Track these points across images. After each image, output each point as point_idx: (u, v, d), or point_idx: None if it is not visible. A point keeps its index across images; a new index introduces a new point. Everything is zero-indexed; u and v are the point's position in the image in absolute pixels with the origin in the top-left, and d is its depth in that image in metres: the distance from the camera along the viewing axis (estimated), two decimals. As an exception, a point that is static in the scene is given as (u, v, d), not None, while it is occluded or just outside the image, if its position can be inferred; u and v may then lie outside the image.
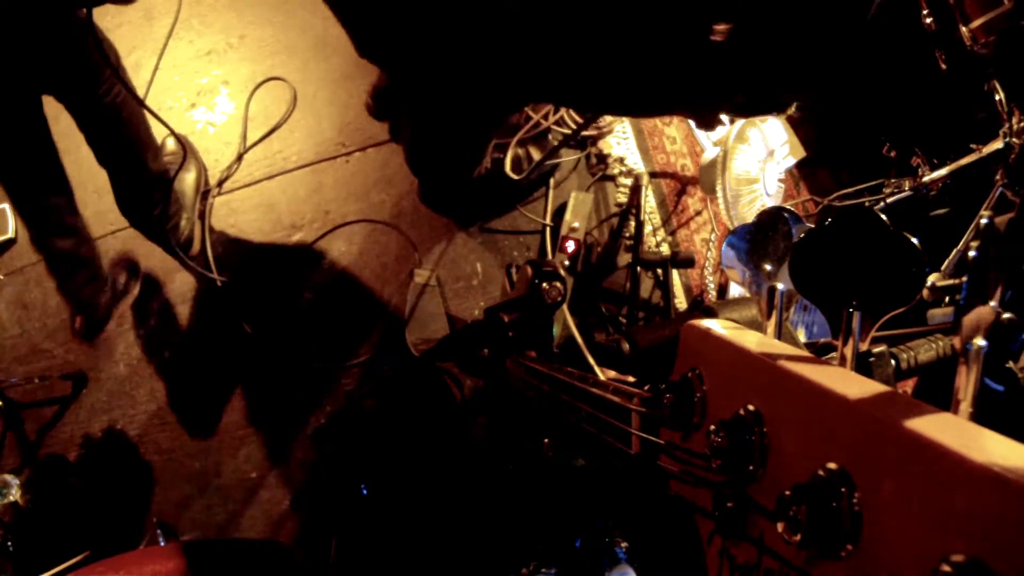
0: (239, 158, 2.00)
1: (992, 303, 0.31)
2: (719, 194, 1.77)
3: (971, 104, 1.82)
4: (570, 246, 1.85)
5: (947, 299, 1.30)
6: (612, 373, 0.79)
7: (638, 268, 1.88)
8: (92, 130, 1.55)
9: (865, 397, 0.29)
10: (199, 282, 1.92)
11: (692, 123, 1.95)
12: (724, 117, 1.98)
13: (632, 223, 1.93)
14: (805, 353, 0.36)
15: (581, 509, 1.34)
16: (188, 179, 1.90)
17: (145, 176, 1.67)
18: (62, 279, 1.70)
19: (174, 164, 1.87)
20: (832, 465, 0.29)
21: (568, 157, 1.99)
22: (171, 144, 1.92)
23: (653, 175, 2.03)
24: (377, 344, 1.86)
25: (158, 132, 1.89)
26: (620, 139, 2.05)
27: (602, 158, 2.02)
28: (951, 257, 1.49)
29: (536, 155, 1.90)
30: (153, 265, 1.92)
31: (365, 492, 1.75)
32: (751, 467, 0.35)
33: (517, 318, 0.89)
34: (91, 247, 1.71)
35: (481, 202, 1.94)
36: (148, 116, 1.60)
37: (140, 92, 2.05)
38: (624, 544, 1.25)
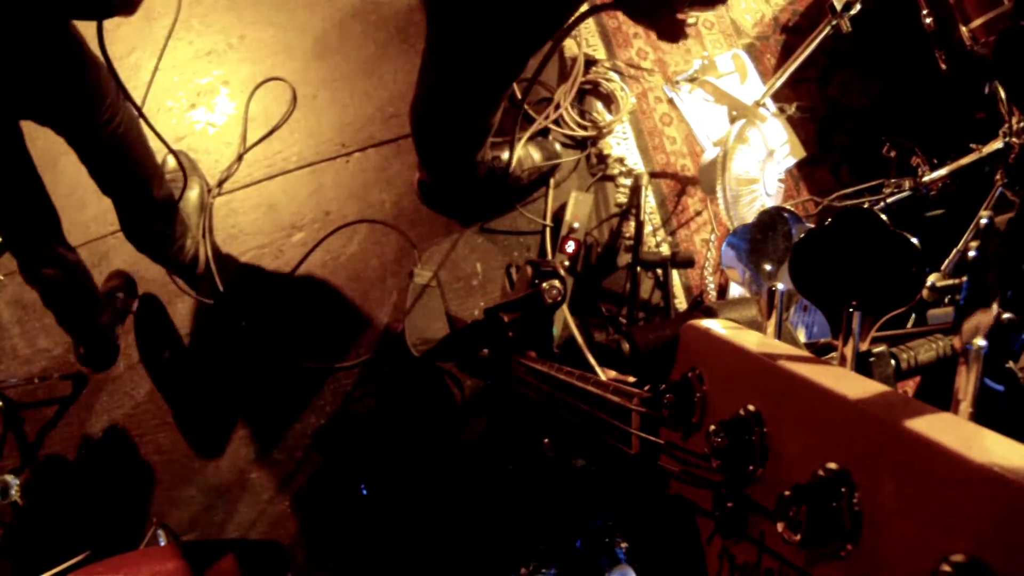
0: (239, 158, 2.00)
1: (993, 306, 0.31)
2: (719, 194, 1.77)
3: (971, 104, 1.82)
4: (570, 246, 1.85)
5: (947, 299, 1.30)
6: (612, 373, 0.79)
7: (638, 268, 1.88)
8: (94, 163, 1.49)
9: (865, 397, 0.29)
10: (200, 290, 1.92)
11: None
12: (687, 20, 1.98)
13: (632, 223, 1.93)
14: (805, 353, 0.36)
15: (581, 509, 1.34)
16: (191, 198, 1.88)
17: (150, 204, 1.63)
18: (60, 312, 1.62)
19: (176, 183, 1.87)
20: (832, 465, 0.29)
21: (568, 157, 1.99)
22: (172, 162, 1.91)
23: (653, 175, 2.03)
24: (377, 344, 1.86)
25: (159, 150, 1.89)
26: (620, 139, 2.05)
27: (602, 158, 2.02)
28: (951, 257, 1.49)
29: (536, 155, 1.90)
30: (153, 273, 1.92)
31: (365, 492, 1.75)
32: (751, 467, 0.35)
33: (517, 318, 0.89)
34: (84, 273, 1.63)
35: (481, 202, 1.94)
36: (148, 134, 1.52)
37: (140, 93, 2.05)
38: (624, 544, 1.25)
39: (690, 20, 2.16)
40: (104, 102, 1.36)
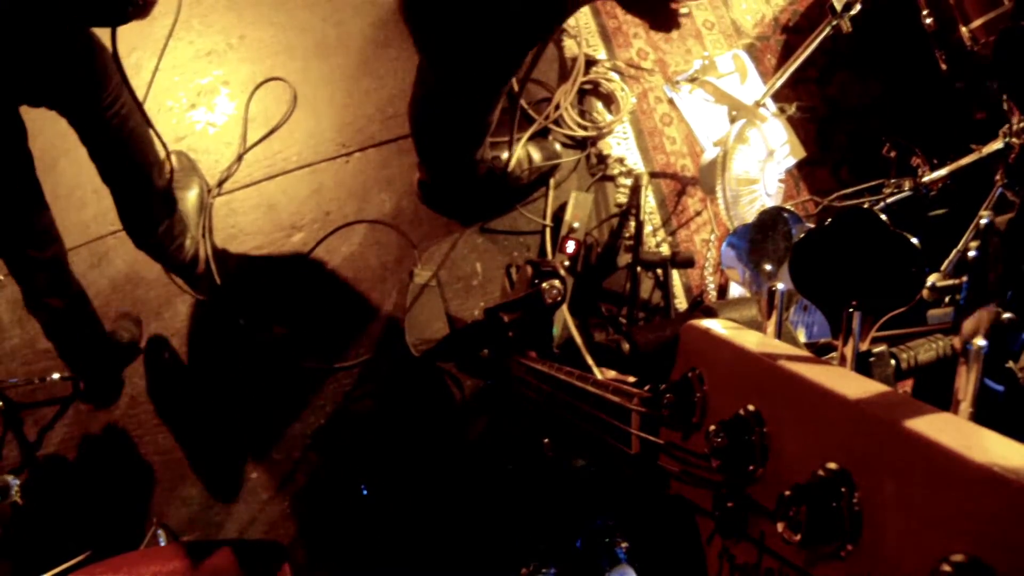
0: (239, 158, 2.00)
1: (992, 306, 0.31)
2: (719, 194, 1.77)
3: (971, 104, 1.82)
4: (570, 246, 1.85)
5: (947, 299, 1.30)
6: (612, 373, 0.79)
7: (638, 268, 1.88)
8: (96, 145, 1.48)
9: (865, 397, 0.29)
10: (199, 290, 1.91)
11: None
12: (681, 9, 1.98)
13: (632, 223, 1.93)
14: (805, 353, 0.36)
15: (581, 509, 1.34)
16: (191, 197, 1.87)
17: (150, 194, 1.62)
18: (62, 344, 1.60)
19: (176, 184, 1.87)
20: (832, 465, 0.29)
21: (568, 157, 1.99)
22: (172, 162, 1.91)
23: (653, 175, 2.03)
24: (377, 344, 1.86)
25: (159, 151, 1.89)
26: (620, 139, 2.05)
27: (602, 158, 2.02)
28: (951, 257, 1.49)
29: (536, 155, 1.90)
30: (153, 273, 1.91)
31: (365, 492, 1.75)
32: (751, 467, 0.35)
33: (517, 318, 0.89)
34: (88, 306, 1.61)
35: (481, 202, 1.94)
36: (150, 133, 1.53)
37: (140, 93, 2.05)
38: (624, 544, 1.25)
39: (683, 10, 2.16)
40: (108, 86, 1.36)
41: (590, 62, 2.08)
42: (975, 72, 1.78)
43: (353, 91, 2.05)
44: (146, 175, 1.59)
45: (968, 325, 0.30)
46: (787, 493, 0.30)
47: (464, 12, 1.12)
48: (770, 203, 1.84)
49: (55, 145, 1.95)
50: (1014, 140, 1.41)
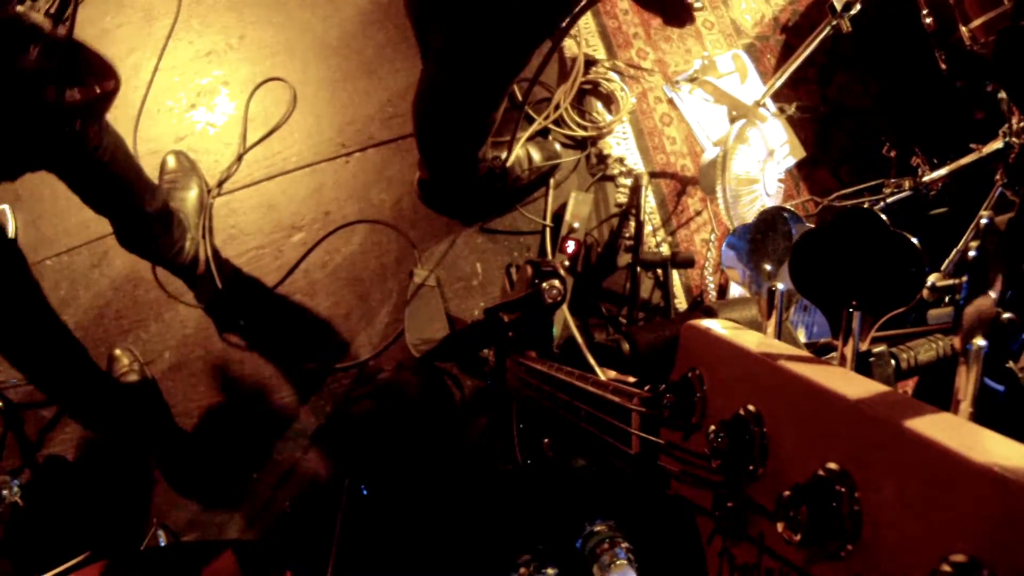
0: (239, 159, 2.00)
1: (992, 293, 0.31)
2: (719, 194, 1.77)
3: (971, 104, 1.82)
4: (570, 246, 1.85)
5: (947, 299, 1.30)
6: (612, 373, 0.79)
7: (638, 268, 1.88)
8: (85, 191, 1.47)
9: (865, 397, 0.29)
10: (199, 290, 1.91)
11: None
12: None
13: (632, 223, 1.93)
14: (805, 353, 0.36)
15: (581, 509, 1.34)
16: (190, 199, 1.87)
17: (145, 219, 1.62)
18: (94, 428, 1.73)
19: (175, 184, 1.86)
20: (832, 465, 0.29)
21: (568, 157, 1.99)
22: (172, 162, 1.90)
23: (653, 175, 2.03)
24: (377, 345, 1.86)
25: (158, 150, 1.88)
26: (620, 139, 2.05)
27: (602, 158, 2.02)
28: (951, 257, 1.49)
29: (536, 155, 1.90)
30: (152, 274, 1.91)
31: (365, 492, 1.75)
32: (751, 467, 0.35)
33: (517, 318, 0.89)
34: (112, 389, 1.68)
35: (481, 202, 1.94)
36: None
37: (140, 93, 2.05)
38: (624, 544, 1.25)
39: (697, 4, 2.16)
40: (89, 132, 1.33)
41: (590, 62, 2.08)
42: (975, 72, 1.78)
43: (353, 91, 2.05)
44: (138, 206, 1.58)
45: (969, 315, 0.30)
46: (787, 493, 0.30)
47: (467, 9, 1.12)
48: (770, 203, 1.84)
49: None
50: (1014, 140, 1.41)
